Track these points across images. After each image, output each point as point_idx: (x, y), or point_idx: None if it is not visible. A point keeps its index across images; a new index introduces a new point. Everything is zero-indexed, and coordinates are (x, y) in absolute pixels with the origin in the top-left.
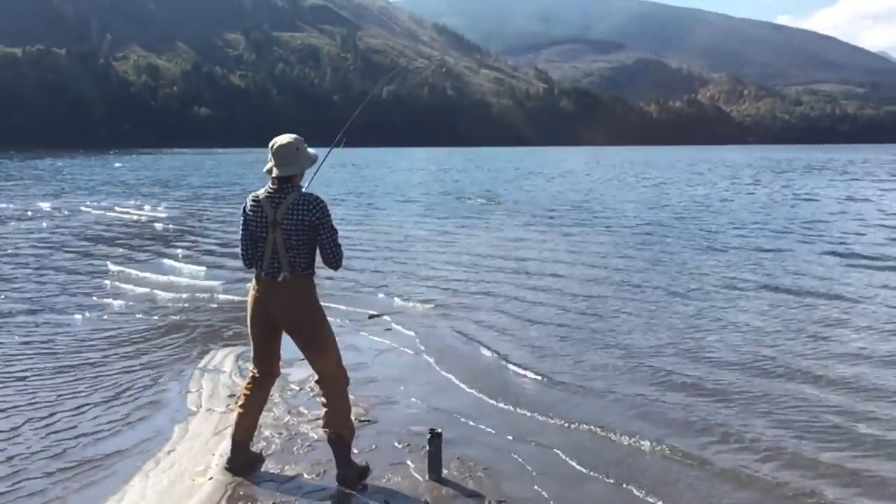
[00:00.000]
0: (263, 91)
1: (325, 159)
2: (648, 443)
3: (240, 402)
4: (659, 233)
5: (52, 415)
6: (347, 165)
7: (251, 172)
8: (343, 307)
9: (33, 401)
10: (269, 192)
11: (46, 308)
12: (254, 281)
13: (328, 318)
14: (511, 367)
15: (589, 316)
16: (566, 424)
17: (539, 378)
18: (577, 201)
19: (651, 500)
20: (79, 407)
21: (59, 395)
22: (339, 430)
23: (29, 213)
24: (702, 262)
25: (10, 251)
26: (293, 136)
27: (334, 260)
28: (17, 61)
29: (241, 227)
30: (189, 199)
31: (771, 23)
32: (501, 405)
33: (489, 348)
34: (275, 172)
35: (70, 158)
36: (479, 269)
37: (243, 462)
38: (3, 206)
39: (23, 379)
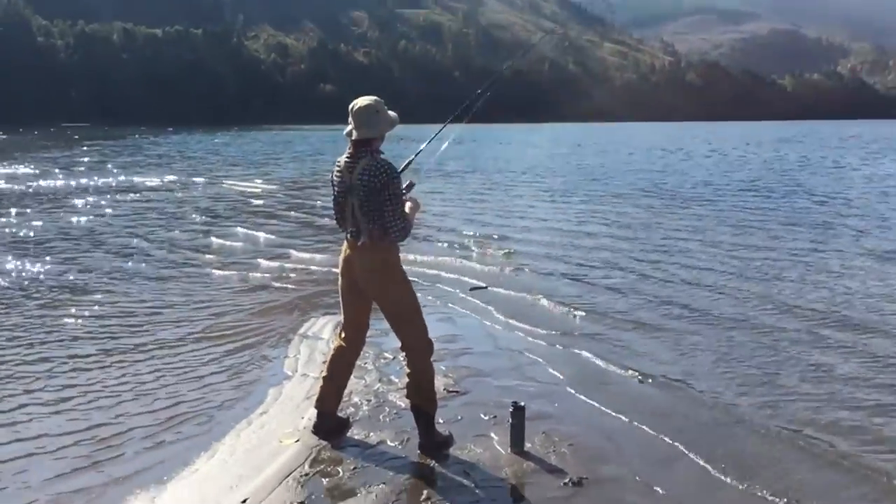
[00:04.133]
0: (386, 68)
1: (436, 136)
2: (750, 425)
3: (324, 370)
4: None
5: (159, 374)
6: (467, 142)
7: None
8: (447, 277)
9: (144, 363)
10: (347, 157)
11: (160, 277)
12: (344, 243)
13: (412, 286)
14: (611, 342)
15: (702, 299)
16: (662, 404)
17: (641, 354)
18: (715, 183)
19: (742, 487)
20: (183, 370)
21: (168, 358)
22: (421, 402)
23: (139, 185)
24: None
25: (125, 221)
26: (373, 98)
27: (395, 230)
28: (158, 41)
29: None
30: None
31: None
32: (597, 381)
33: (588, 323)
34: (354, 135)
35: (188, 133)
36: (594, 248)
37: (329, 426)
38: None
39: (138, 346)
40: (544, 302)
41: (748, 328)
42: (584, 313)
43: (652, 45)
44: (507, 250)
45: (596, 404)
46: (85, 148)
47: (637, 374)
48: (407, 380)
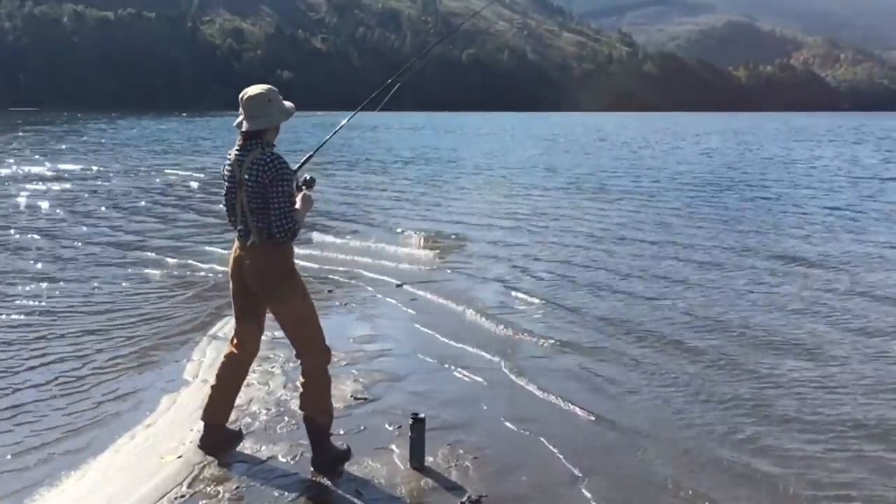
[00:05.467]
0: (344, 54)
1: (345, 123)
2: (660, 445)
3: (213, 380)
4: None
5: (38, 382)
6: (418, 129)
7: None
8: (373, 274)
9: (40, 361)
10: (237, 150)
11: (74, 270)
12: (235, 242)
13: (307, 288)
14: (535, 347)
15: (632, 296)
16: (576, 421)
17: (564, 368)
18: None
19: None
20: (67, 376)
21: (51, 362)
22: (314, 414)
23: (60, 174)
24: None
25: (55, 210)
26: (266, 86)
27: (280, 230)
28: (110, 24)
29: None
30: None
31: None
32: (514, 392)
33: (515, 324)
34: (244, 126)
35: (136, 118)
36: (531, 246)
37: (217, 440)
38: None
39: (41, 338)
40: (474, 304)
41: (686, 349)
42: (514, 319)
43: (609, 35)
44: (442, 247)
45: (510, 413)
46: (20, 134)
47: (556, 388)
48: (301, 389)
